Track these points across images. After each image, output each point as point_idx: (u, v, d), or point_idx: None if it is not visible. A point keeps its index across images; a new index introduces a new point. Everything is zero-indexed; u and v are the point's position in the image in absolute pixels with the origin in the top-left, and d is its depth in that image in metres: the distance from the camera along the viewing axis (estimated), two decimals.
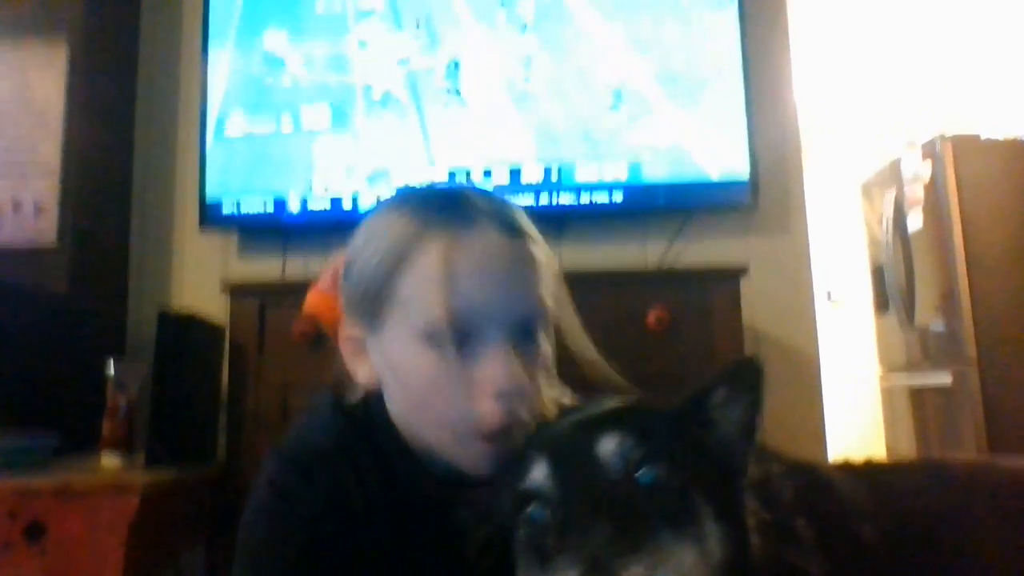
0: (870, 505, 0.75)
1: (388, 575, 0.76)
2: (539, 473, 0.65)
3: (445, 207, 0.77)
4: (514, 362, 0.72)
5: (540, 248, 0.79)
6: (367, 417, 0.80)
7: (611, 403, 0.72)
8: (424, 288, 0.73)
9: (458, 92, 2.32)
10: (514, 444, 0.71)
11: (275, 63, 2.40)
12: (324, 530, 0.74)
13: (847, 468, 0.83)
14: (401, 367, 0.76)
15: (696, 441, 0.69)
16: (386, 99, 2.35)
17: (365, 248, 0.80)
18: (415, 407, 0.76)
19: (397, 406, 0.78)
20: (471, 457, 0.74)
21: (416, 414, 0.77)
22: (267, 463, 0.80)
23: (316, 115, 2.37)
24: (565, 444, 0.67)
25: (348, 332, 0.83)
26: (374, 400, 0.80)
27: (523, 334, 0.75)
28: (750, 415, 0.71)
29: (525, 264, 0.77)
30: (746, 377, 0.71)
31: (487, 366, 0.72)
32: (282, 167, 2.36)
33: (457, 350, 0.72)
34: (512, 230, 0.77)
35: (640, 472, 0.63)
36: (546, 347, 0.79)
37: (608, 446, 0.64)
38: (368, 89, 2.36)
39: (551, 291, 0.79)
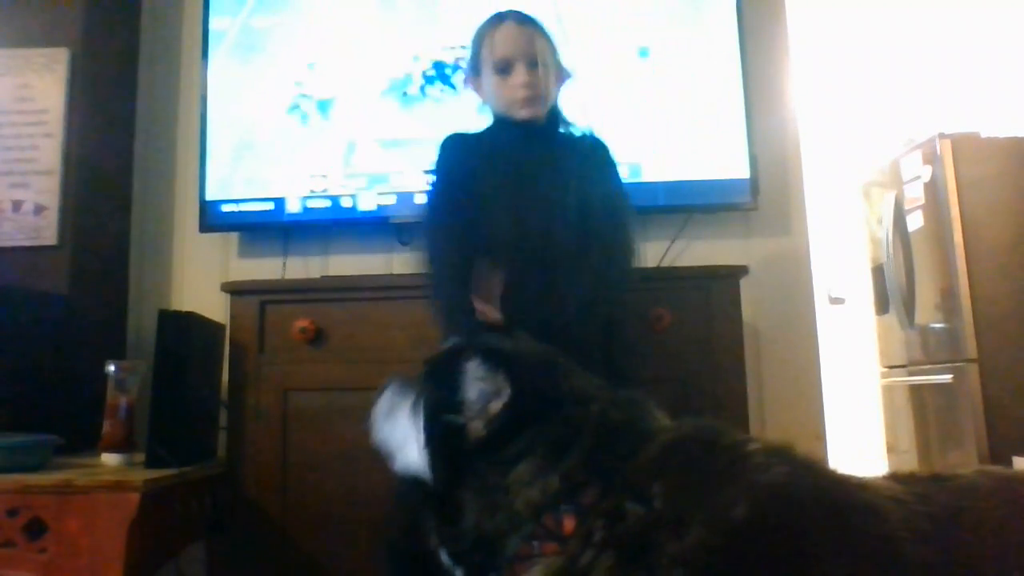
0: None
1: (507, 176, 1.53)
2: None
3: (494, 17, 1.59)
4: (527, 74, 1.53)
5: (539, 29, 1.57)
6: (494, 119, 1.62)
7: None
8: (487, 49, 1.57)
9: (453, 87, 2.33)
10: (540, 109, 1.54)
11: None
12: (458, 157, 1.59)
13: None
14: (489, 87, 1.59)
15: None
16: (385, 96, 2.35)
17: (471, 45, 1.63)
18: (498, 103, 1.58)
19: (494, 105, 1.60)
20: (522, 114, 1.55)
21: (497, 103, 1.58)
22: None
23: (318, 115, 2.37)
24: None
25: (473, 82, 1.64)
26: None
27: (532, 64, 1.53)
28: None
29: (530, 35, 1.56)
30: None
31: (515, 75, 1.54)
32: (282, 167, 2.36)
33: (503, 73, 1.55)
34: (523, 21, 1.57)
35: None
36: (546, 73, 1.54)
37: None
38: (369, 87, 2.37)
39: (546, 50, 1.56)
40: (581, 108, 2.26)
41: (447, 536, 0.83)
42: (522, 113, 1.54)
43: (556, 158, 1.58)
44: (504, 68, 1.54)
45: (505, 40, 1.55)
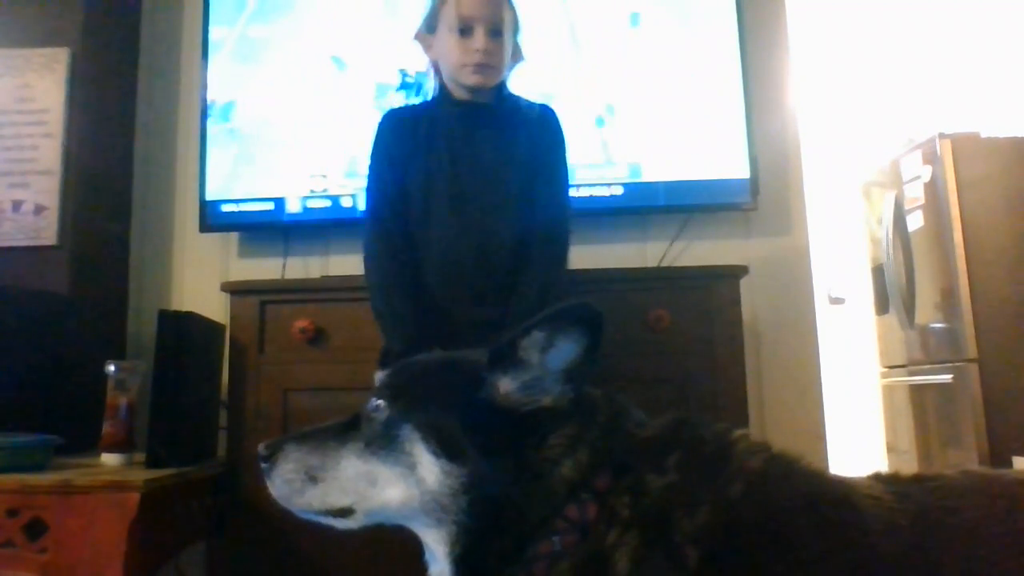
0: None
1: (445, 158, 1.54)
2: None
3: None
4: (487, 40, 1.49)
5: (506, 1, 1.54)
6: (440, 83, 1.60)
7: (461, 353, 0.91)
8: (449, 7, 1.51)
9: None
10: (492, 79, 1.53)
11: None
12: (394, 138, 1.58)
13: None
14: (443, 46, 1.54)
15: (468, 386, 0.80)
16: (382, 93, 2.35)
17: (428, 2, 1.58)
18: (449, 63, 1.53)
19: (444, 65, 1.56)
20: (472, 80, 1.51)
21: (449, 67, 1.54)
22: None
23: (317, 114, 2.37)
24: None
25: (423, 39, 1.59)
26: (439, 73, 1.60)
27: (495, 33, 1.50)
28: (577, 358, 0.77)
29: (498, 3, 1.51)
30: (572, 320, 0.76)
31: (475, 38, 1.49)
32: (282, 167, 2.36)
33: (462, 34, 1.49)
34: None
35: (371, 404, 0.85)
36: (504, 45, 1.52)
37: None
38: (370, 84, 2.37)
39: (510, 22, 1.53)
40: (584, 110, 2.28)
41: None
42: (472, 79, 1.51)
43: (498, 136, 1.55)
44: (465, 29, 1.49)
45: (472, 1, 1.50)
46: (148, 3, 2.65)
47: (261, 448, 0.88)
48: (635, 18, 2.34)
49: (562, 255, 1.56)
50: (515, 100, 1.61)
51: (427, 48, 1.59)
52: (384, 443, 0.81)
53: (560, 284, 1.53)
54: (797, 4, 2.62)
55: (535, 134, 1.58)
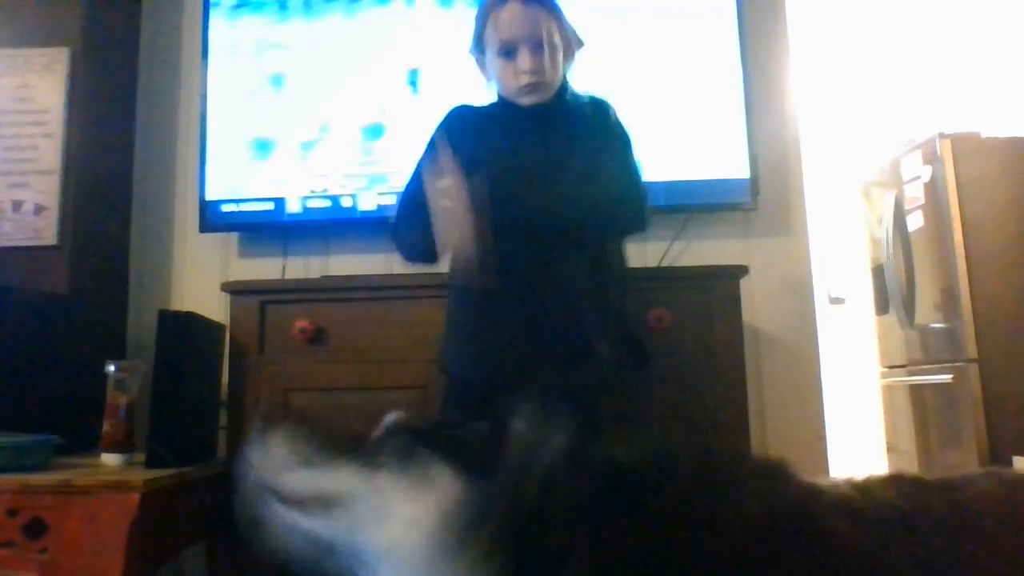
0: None
1: (505, 150, 1.50)
2: None
3: None
4: (532, 59, 1.46)
5: (545, 6, 1.49)
6: (499, 97, 1.57)
7: None
8: (491, 29, 1.51)
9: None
10: (545, 93, 1.50)
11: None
12: (457, 124, 1.55)
13: None
14: (493, 67, 1.53)
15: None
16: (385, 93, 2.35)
17: (475, 21, 1.57)
18: (502, 87, 1.53)
19: (499, 87, 1.55)
20: (527, 101, 1.50)
21: (502, 86, 1.54)
22: None
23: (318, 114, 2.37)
24: None
25: (479, 61, 1.59)
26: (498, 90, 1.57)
27: (537, 48, 1.47)
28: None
29: (535, 17, 1.47)
30: None
31: (519, 60, 1.47)
32: (282, 167, 2.36)
33: (507, 56, 1.49)
34: (528, 1, 1.48)
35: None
36: (553, 53, 1.49)
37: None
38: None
39: (553, 29, 1.49)
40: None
41: None
42: (526, 100, 1.49)
43: (560, 135, 1.51)
44: (508, 52, 1.48)
45: (510, 22, 1.47)
46: (148, 3, 2.65)
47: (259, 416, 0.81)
48: (635, 17, 2.34)
49: (636, 219, 1.52)
50: (576, 96, 1.57)
51: (482, 68, 1.58)
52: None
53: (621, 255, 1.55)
54: (797, 4, 2.62)
55: (610, 130, 1.54)
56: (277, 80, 2.40)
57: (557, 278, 1.43)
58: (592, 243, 1.50)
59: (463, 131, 1.52)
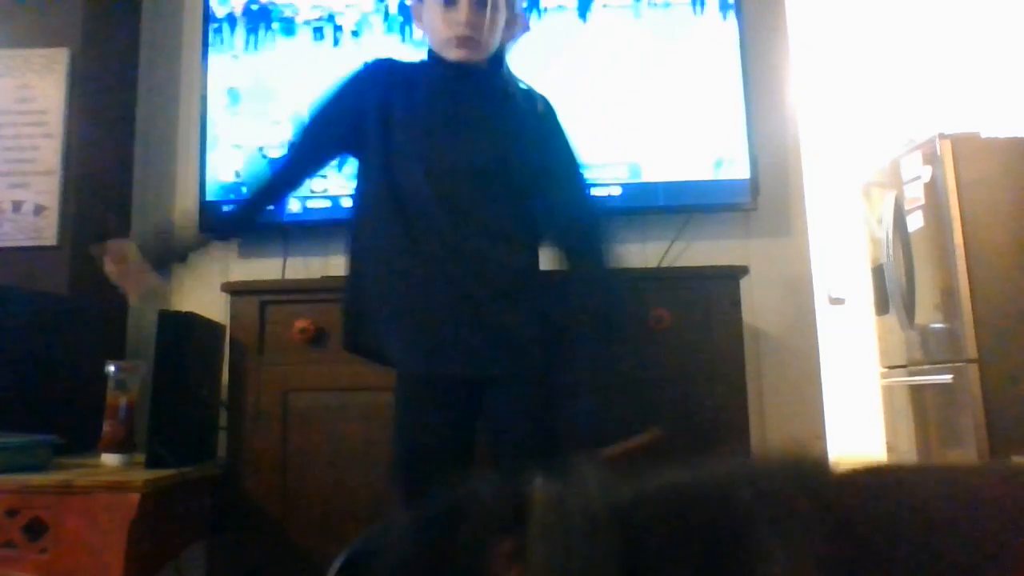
0: None
1: (424, 110, 1.46)
2: None
3: None
4: (471, 11, 1.39)
5: None
6: (428, 52, 1.50)
7: None
8: None
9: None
10: (477, 53, 1.43)
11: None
12: (373, 76, 1.50)
13: None
14: (429, 17, 1.45)
15: None
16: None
17: None
18: (433, 35, 1.45)
19: (430, 37, 1.47)
20: (454, 54, 1.43)
21: (434, 39, 1.46)
22: None
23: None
24: None
25: (416, 9, 1.50)
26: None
27: (482, 4, 1.40)
28: None
29: None
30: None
31: (458, 10, 1.40)
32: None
33: (446, 5, 1.40)
34: None
35: None
36: (495, 15, 1.42)
37: None
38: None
39: None
40: (581, 106, 2.28)
41: None
42: (454, 53, 1.42)
43: (487, 101, 1.46)
44: (449, 0, 1.40)
45: None
46: (148, 4, 2.65)
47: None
48: (635, 16, 2.34)
49: (611, 249, 1.48)
50: (512, 77, 1.53)
51: (417, 19, 1.51)
52: None
53: (620, 281, 1.49)
54: (797, 4, 2.62)
55: (543, 126, 1.49)
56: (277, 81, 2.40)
57: (484, 244, 1.40)
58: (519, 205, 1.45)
59: (385, 81, 1.48)
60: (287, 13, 2.41)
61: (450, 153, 1.42)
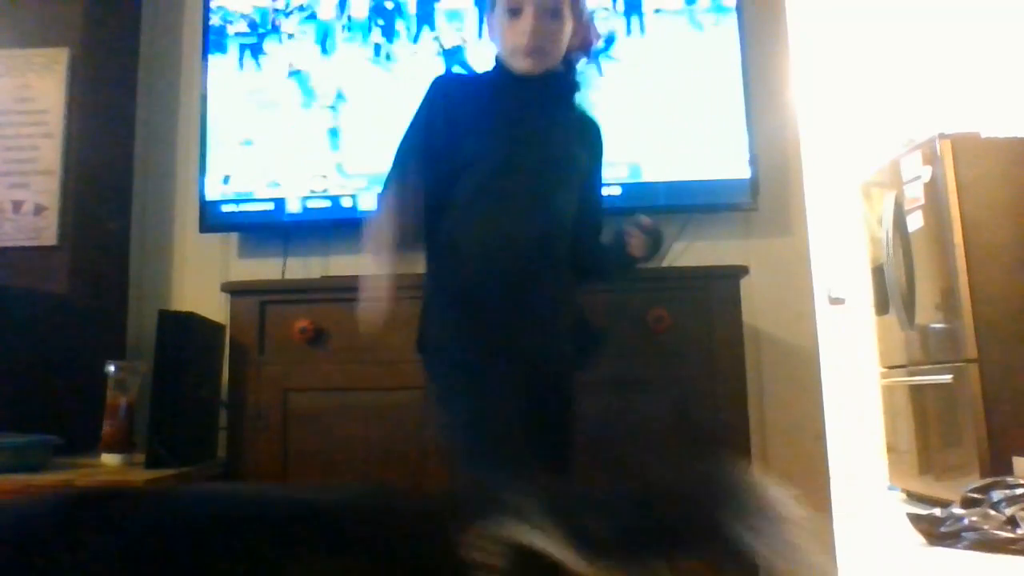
0: None
1: (491, 115, 1.48)
2: None
3: None
4: (535, 21, 1.40)
5: None
6: (496, 62, 1.52)
7: None
8: None
9: None
10: (543, 63, 1.43)
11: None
12: (443, 92, 1.49)
13: None
14: (497, 25, 1.47)
15: None
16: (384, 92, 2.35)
17: None
18: (501, 46, 1.48)
19: (499, 48, 1.50)
20: (520, 65, 1.44)
21: (501, 46, 1.49)
22: None
23: (317, 112, 2.37)
24: None
25: (488, 20, 1.53)
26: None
27: (545, 14, 1.41)
28: None
29: None
30: None
31: (523, 20, 1.41)
32: (282, 167, 2.36)
33: (512, 15, 1.42)
34: None
35: None
36: (561, 25, 1.43)
37: None
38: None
39: (564, 2, 1.42)
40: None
41: None
42: (520, 63, 1.43)
43: (551, 107, 1.49)
44: (514, 10, 1.41)
45: None
46: (148, 4, 2.65)
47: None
48: (635, 15, 2.34)
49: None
50: (578, 89, 1.55)
51: (490, 30, 1.52)
52: None
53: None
54: (797, 4, 2.62)
55: (593, 152, 1.57)
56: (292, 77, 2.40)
57: (546, 259, 1.45)
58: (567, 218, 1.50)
59: (456, 96, 1.50)
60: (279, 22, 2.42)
61: (521, 149, 1.45)
